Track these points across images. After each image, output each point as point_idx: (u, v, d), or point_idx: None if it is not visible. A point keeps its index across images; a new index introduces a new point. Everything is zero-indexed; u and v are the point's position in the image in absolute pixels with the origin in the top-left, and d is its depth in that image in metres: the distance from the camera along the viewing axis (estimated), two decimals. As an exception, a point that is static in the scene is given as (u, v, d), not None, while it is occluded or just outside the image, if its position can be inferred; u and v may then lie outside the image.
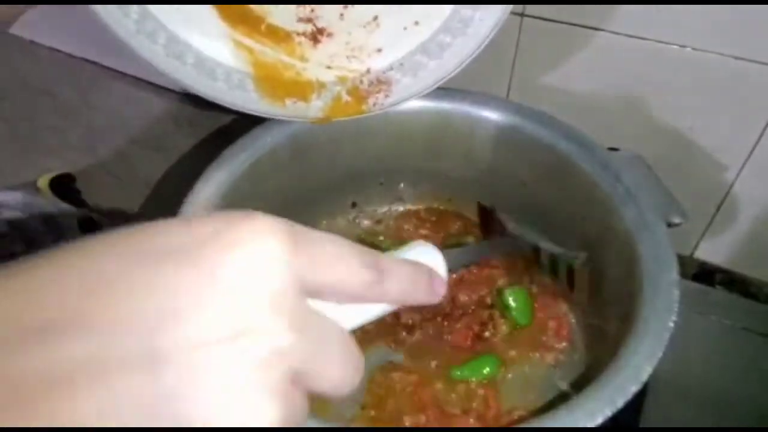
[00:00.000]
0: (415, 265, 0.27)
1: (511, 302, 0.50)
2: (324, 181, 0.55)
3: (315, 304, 0.22)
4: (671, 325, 0.37)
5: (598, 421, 0.34)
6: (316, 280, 0.21)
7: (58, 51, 0.81)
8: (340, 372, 0.21)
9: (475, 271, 0.53)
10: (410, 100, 0.49)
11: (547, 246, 0.50)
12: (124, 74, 0.82)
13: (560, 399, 0.42)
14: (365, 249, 0.23)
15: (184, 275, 0.19)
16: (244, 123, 0.50)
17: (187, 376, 0.18)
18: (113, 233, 0.20)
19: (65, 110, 0.78)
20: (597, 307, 0.48)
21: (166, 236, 0.20)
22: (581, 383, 0.37)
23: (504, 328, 0.50)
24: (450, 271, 0.30)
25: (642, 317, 0.38)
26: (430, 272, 0.27)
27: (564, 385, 0.47)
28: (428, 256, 0.29)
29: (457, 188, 0.58)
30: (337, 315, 0.23)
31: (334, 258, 0.22)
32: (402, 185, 0.59)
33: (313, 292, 0.21)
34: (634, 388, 0.35)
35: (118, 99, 0.80)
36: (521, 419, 0.45)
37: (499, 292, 0.51)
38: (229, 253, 0.20)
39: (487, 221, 0.56)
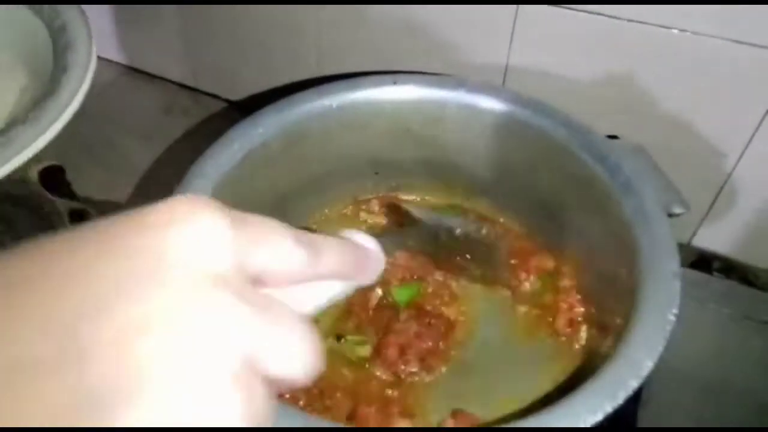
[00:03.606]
0: (347, 241, 0.26)
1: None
2: (317, 172, 0.54)
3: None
4: (672, 318, 0.37)
5: (598, 416, 0.34)
6: (256, 261, 0.20)
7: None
8: (301, 355, 0.19)
9: None
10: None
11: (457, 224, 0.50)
12: (114, 62, 0.81)
13: (558, 393, 0.41)
14: (295, 228, 0.22)
15: (105, 260, 0.17)
16: (235, 113, 0.49)
17: (117, 372, 0.16)
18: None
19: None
20: (596, 299, 0.47)
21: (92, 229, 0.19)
22: (580, 377, 0.36)
23: None
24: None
25: (642, 310, 0.38)
26: (364, 250, 0.27)
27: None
28: (360, 238, 0.28)
29: (453, 178, 0.57)
30: (285, 300, 0.21)
31: (270, 237, 0.21)
32: (397, 176, 0.58)
33: (253, 276, 0.20)
34: (634, 383, 0.35)
35: (108, 88, 0.79)
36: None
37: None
38: (164, 233, 0.18)
39: (397, 216, 0.55)
